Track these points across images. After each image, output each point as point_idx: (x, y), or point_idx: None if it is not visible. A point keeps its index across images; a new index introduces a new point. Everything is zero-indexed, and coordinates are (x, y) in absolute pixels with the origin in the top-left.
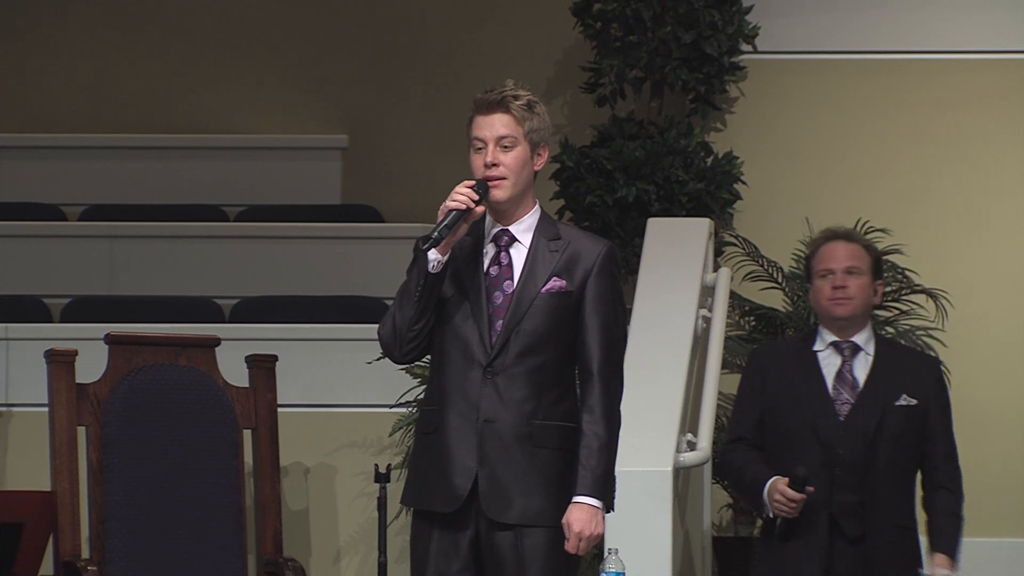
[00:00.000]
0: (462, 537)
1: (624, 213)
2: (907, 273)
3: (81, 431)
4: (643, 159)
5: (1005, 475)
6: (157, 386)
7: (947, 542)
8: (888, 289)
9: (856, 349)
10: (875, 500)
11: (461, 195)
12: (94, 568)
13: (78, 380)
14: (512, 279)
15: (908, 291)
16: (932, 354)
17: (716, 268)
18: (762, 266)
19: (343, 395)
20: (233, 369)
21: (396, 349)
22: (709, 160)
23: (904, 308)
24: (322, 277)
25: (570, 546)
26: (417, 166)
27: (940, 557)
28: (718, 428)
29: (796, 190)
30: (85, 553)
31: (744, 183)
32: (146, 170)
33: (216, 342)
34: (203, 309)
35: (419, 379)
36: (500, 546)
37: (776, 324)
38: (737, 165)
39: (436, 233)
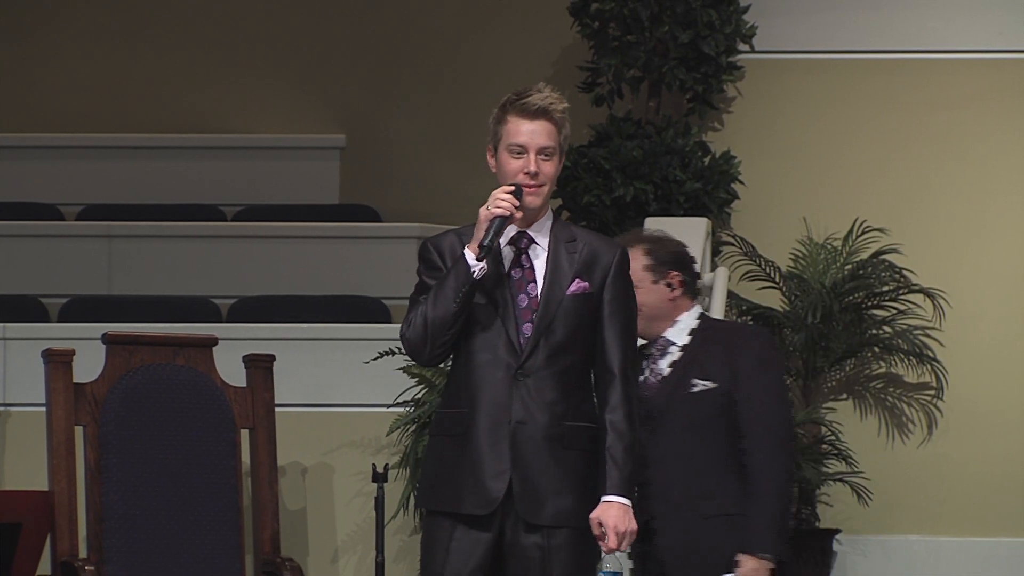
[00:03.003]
0: (484, 538)
1: (622, 213)
2: (904, 272)
3: (79, 431)
4: (641, 159)
5: (1003, 475)
6: (155, 386)
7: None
8: (885, 288)
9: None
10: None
11: (504, 201)
12: (92, 568)
13: (76, 380)
14: (535, 282)
15: (905, 290)
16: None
17: (714, 268)
18: (760, 266)
19: (341, 395)
20: (231, 369)
21: (426, 350)
22: (707, 160)
23: (901, 308)
24: (320, 277)
25: (612, 543)
26: (415, 166)
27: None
28: None
29: (794, 190)
30: (83, 553)
31: (742, 183)
32: (144, 170)
33: (214, 342)
34: (201, 309)
35: (416, 379)
36: (527, 547)
37: (774, 324)
38: (735, 165)
39: (488, 241)
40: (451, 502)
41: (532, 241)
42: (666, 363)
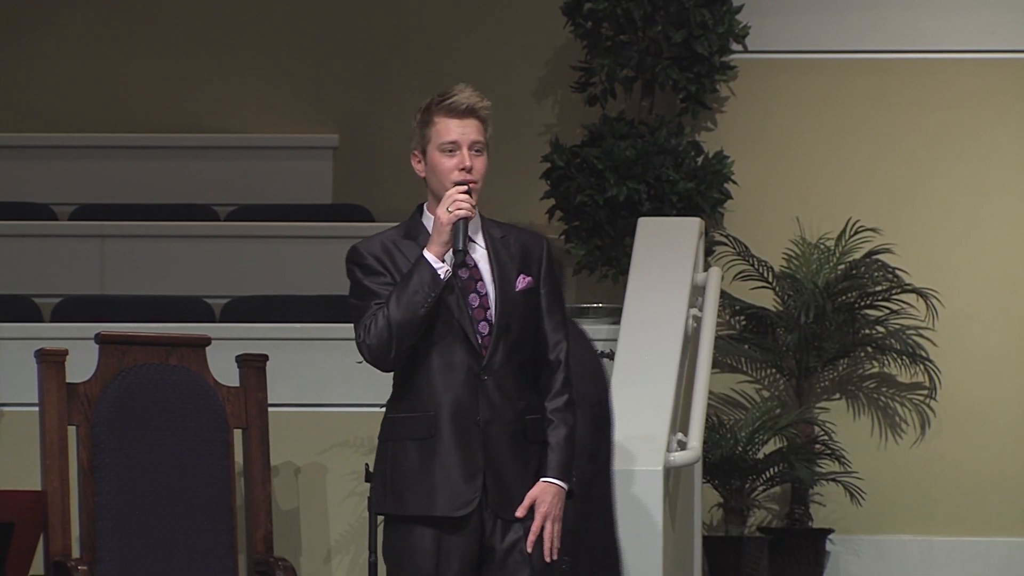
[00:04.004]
0: (468, 539)
1: (615, 212)
2: (897, 272)
3: (72, 431)
4: (634, 158)
5: (996, 474)
6: (148, 386)
7: None
8: (878, 288)
9: None
10: None
11: (464, 202)
12: (84, 568)
13: (69, 379)
14: (482, 280)
15: (899, 290)
16: None
17: (707, 267)
18: (753, 265)
19: (334, 395)
20: (224, 369)
21: (390, 355)
22: (700, 159)
23: (894, 307)
24: (313, 276)
25: (536, 526)
26: (408, 166)
27: None
28: (709, 428)
29: (787, 189)
30: (75, 553)
31: (735, 182)
32: (137, 169)
33: (207, 342)
34: (194, 308)
35: None
36: (509, 542)
37: (767, 323)
38: (728, 165)
39: (462, 245)
40: (424, 506)
41: (471, 240)
42: None
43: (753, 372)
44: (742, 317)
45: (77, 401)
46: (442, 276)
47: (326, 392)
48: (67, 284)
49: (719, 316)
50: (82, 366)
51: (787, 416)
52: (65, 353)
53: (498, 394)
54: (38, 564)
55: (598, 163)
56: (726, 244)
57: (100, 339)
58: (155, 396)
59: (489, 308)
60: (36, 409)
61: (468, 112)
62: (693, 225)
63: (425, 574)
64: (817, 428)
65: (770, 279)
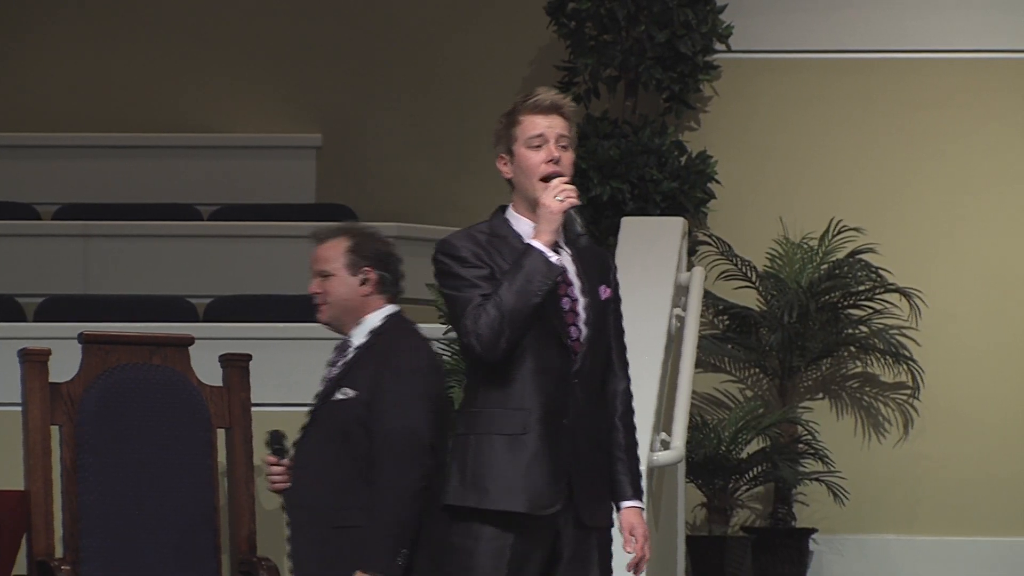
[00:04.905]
0: (541, 541)
1: (598, 212)
2: (881, 272)
3: (55, 430)
4: (617, 158)
5: (979, 474)
6: (131, 385)
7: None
8: (861, 288)
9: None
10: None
11: (573, 190)
12: (68, 568)
13: (52, 379)
14: (571, 285)
15: (882, 290)
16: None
17: (690, 267)
18: (736, 265)
19: None
20: (207, 368)
21: (501, 344)
22: (683, 159)
23: (878, 307)
24: (296, 276)
25: (640, 550)
26: (392, 166)
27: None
28: (692, 427)
29: (770, 189)
30: (59, 553)
31: (718, 182)
32: (120, 169)
33: (190, 341)
34: (177, 308)
35: None
36: (583, 549)
37: (750, 323)
38: (711, 164)
39: (582, 229)
40: (507, 502)
41: (559, 245)
42: (343, 363)
43: (736, 372)
44: (725, 317)
45: (60, 401)
46: (556, 264)
47: (310, 391)
48: (50, 284)
49: (702, 316)
50: (65, 366)
51: (770, 416)
52: (48, 353)
53: (584, 398)
54: (21, 564)
55: (581, 163)
56: (709, 244)
57: (83, 339)
58: (138, 396)
59: (578, 313)
60: (19, 409)
61: (553, 108)
62: (676, 225)
63: (492, 570)
64: (800, 428)
65: (753, 279)
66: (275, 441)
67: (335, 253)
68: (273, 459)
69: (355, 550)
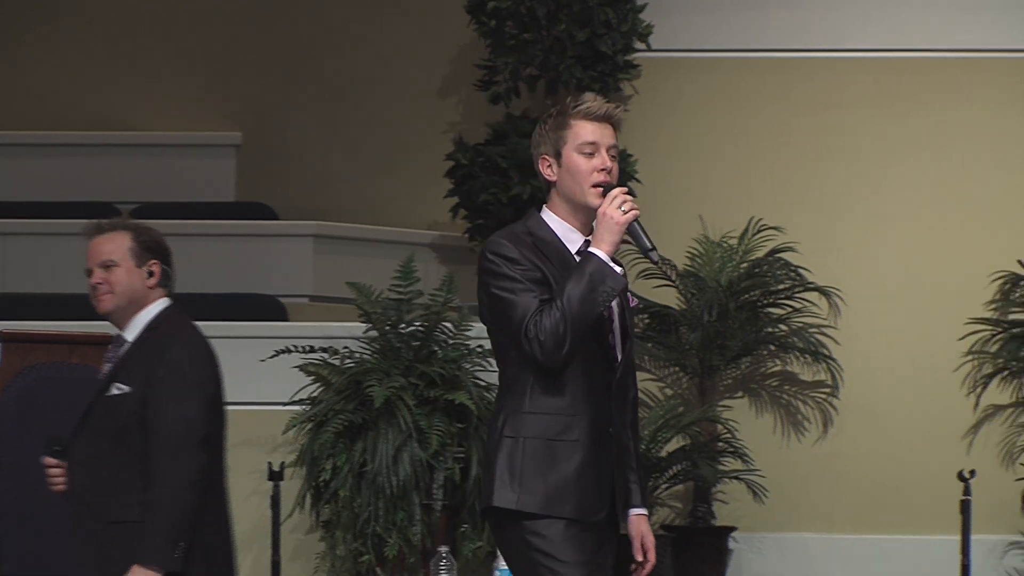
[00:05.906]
0: (587, 545)
1: (519, 211)
2: (800, 271)
3: None
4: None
5: (896, 472)
6: (51, 384)
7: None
8: (781, 287)
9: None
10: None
11: (632, 201)
12: None
13: None
14: None
15: (801, 289)
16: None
17: None
18: (656, 264)
19: (237, 393)
20: None
21: (561, 353)
22: None
23: (797, 306)
24: (216, 275)
25: (652, 557)
26: (311, 164)
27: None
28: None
29: (690, 188)
30: None
31: (638, 180)
32: (38, 167)
33: (108, 340)
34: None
35: (312, 377)
36: (607, 554)
37: (670, 322)
38: (631, 163)
39: (652, 245)
40: (558, 507)
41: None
42: (117, 358)
43: (656, 370)
44: (645, 315)
45: None
46: (621, 275)
47: (229, 390)
48: None
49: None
50: None
51: (690, 414)
52: None
53: (621, 405)
54: None
55: (502, 161)
56: (629, 242)
57: (2, 337)
58: (58, 395)
59: (613, 321)
60: None
61: (605, 117)
62: None
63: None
64: (720, 426)
65: (673, 277)
66: (53, 443)
67: (118, 245)
68: (52, 461)
69: (132, 545)
